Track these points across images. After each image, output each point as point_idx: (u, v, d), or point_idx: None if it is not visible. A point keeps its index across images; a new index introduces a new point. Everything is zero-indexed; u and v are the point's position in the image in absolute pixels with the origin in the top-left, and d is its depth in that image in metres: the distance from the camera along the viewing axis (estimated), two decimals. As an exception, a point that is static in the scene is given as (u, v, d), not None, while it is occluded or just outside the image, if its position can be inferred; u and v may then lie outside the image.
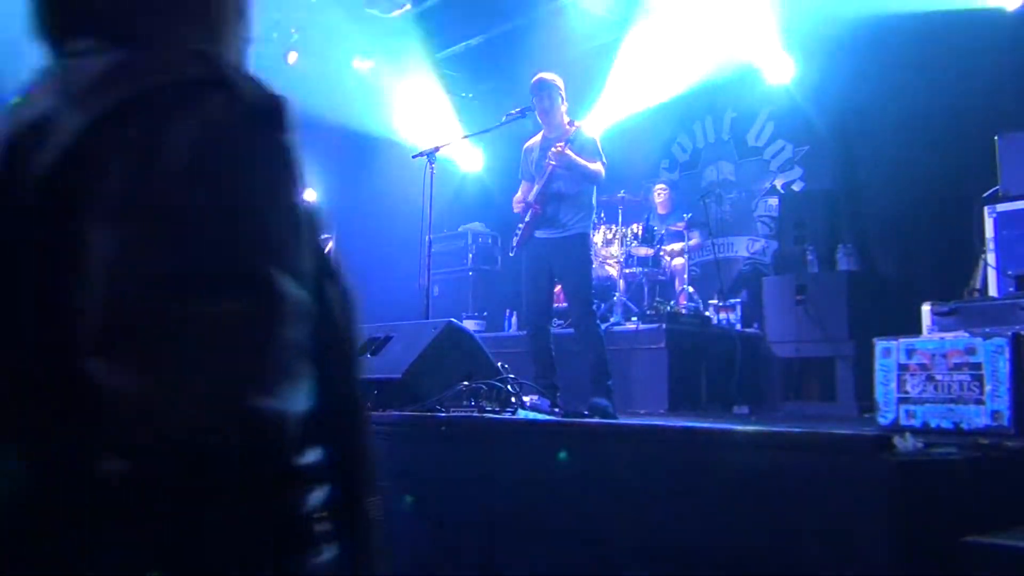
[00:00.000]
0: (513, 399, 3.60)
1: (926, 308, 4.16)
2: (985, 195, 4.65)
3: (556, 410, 4.44)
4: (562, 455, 2.65)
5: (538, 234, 5.08)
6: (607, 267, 6.83)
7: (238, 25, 0.98)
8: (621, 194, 6.97)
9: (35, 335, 0.75)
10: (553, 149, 4.96)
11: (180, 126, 0.74)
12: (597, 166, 5.00)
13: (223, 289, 0.72)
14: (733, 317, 6.62)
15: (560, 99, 5.08)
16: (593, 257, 5.56)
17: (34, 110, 0.80)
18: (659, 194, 7.50)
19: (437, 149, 5.36)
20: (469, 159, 9.14)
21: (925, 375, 3.41)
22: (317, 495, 0.76)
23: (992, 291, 4.44)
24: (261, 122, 0.79)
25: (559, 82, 5.11)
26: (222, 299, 0.71)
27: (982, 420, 3.22)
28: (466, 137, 6.61)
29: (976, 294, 4.48)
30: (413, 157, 5.46)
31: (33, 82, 0.89)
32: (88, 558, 0.72)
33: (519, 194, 5.25)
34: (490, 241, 8.44)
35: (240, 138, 0.77)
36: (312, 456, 0.77)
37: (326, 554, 0.78)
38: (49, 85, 0.84)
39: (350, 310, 0.91)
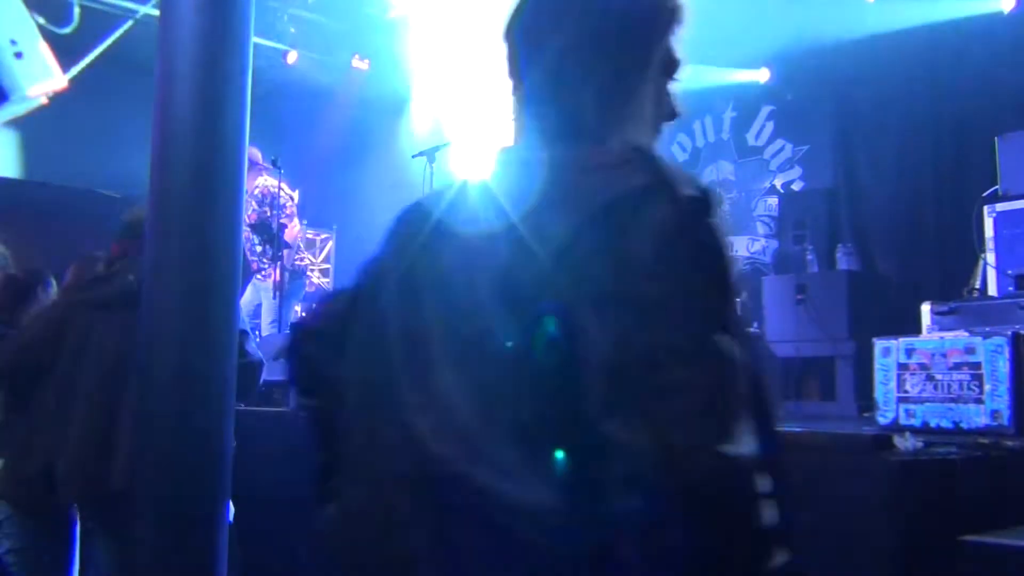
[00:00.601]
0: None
1: (926, 308, 4.15)
2: (985, 195, 4.65)
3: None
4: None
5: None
6: (607, 267, 6.84)
7: (661, 118, 1.16)
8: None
9: (558, 400, 0.95)
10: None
11: (641, 227, 0.94)
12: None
13: (691, 359, 0.91)
14: (733, 317, 6.61)
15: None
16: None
17: (525, 204, 1.02)
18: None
19: (437, 149, 5.36)
20: (471, 161, 9.13)
21: (925, 374, 3.40)
22: (773, 513, 0.93)
23: (992, 291, 4.44)
24: (699, 214, 0.96)
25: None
26: (691, 368, 0.91)
27: (982, 419, 3.21)
28: (466, 137, 6.61)
29: (976, 294, 4.48)
30: (413, 157, 5.46)
31: (509, 167, 1.14)
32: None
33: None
34: (490, 241, 8.44)
35: (686, 232, 0.95)
36: (766, 485, 0.94)
37: (784, 557, 0.94)
38: (529, 177, 1.06)
39: (763, 365, 1.11)
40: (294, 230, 6.29)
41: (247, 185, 6.18)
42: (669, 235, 0.94)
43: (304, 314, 1.26)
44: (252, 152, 6.21)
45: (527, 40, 1.15)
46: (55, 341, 2.85)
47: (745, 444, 0.91)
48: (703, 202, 0.97)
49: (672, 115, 1.18)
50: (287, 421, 3.89)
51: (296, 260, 6.48)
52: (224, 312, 2.59)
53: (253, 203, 6.21)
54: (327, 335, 1.27)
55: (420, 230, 1.16)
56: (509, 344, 0.98)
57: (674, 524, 0.89)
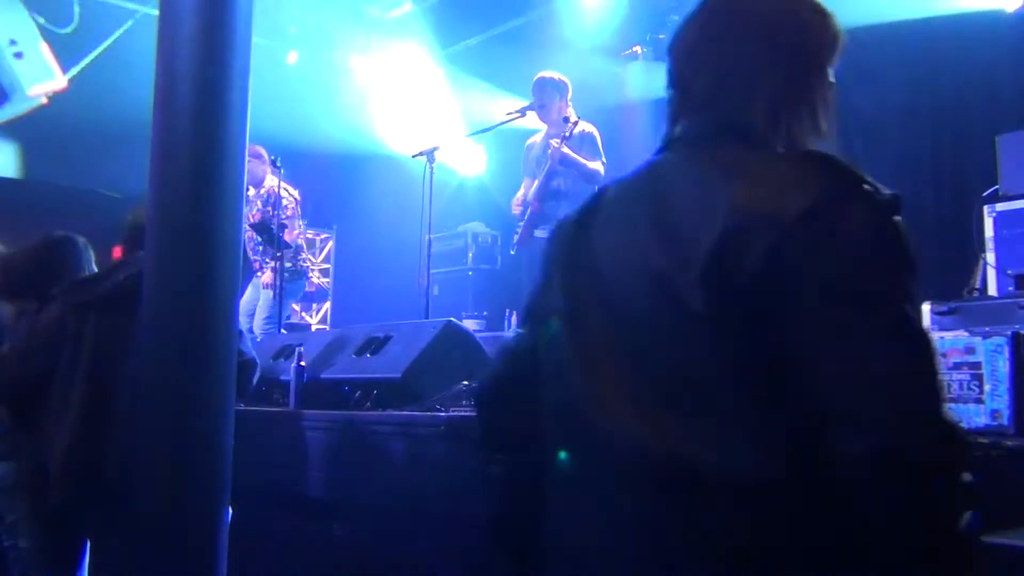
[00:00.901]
0: (513, 399, 3.59)
1: (926, 307, 4.15)
2: (985, 195, 4.64)
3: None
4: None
5: (538, 233, 5.08)
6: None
7: (819, 133, 1.26)
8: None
9: (770, 383, 1.06)
10: (551, 144, 4.97)
11: (846, 228, 1.05)
12: (596, 165, 5.00)
13: (908, 340, 1.03)
14: (733, 317, 6.60)
15: (558, 97, 5.08)
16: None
17: (705, 205, 1.10)
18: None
19: (437, 148, 5.36)
20: (469, 160, 9.14)
21: (925, 375, 3.40)
22: (969, 475, 1.02)
23: (992, 290, 4.44)
24: (893, 212, 1.08)
25: (558, 80, 5.11)
26: (910, 347, 1.03)
27: (982, 419, 3.21)
28: (466, 136, 6.60)
29: (976, 294, 4.48)
30: (413, 156, 5.46)
31: (667, 166, 1.21)
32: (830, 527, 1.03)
33: (520, 192, 5.25)
34: (490, 241, 8.44)
35: (885, 229, 1.07)
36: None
37: (971, 515, 1.03)
38: (703, 179, 1.14)
39: None
40: (295, 231, 6.27)
41: (257, 182, 6.18)
42: (873, 233, 1.06)
43: (484, 376, 1.36)
44: (260, 150, 6.22)
45: (694, 54, 1.26)
46: (52, 346, 2.86)
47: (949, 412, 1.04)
48: (894, 201, 1.10)
49: (823, 132, 1.27)
50: (287, 421, 3.89)
51: (300, 262, 6.46)
52: (224, 312, 2.59)
53: (259, 202, 6.20)
54: (512, 387, 1.37)
55: (574, 252, 1.27)
56: (711, 340, 1.07)
57: (893, 486, 1.00)
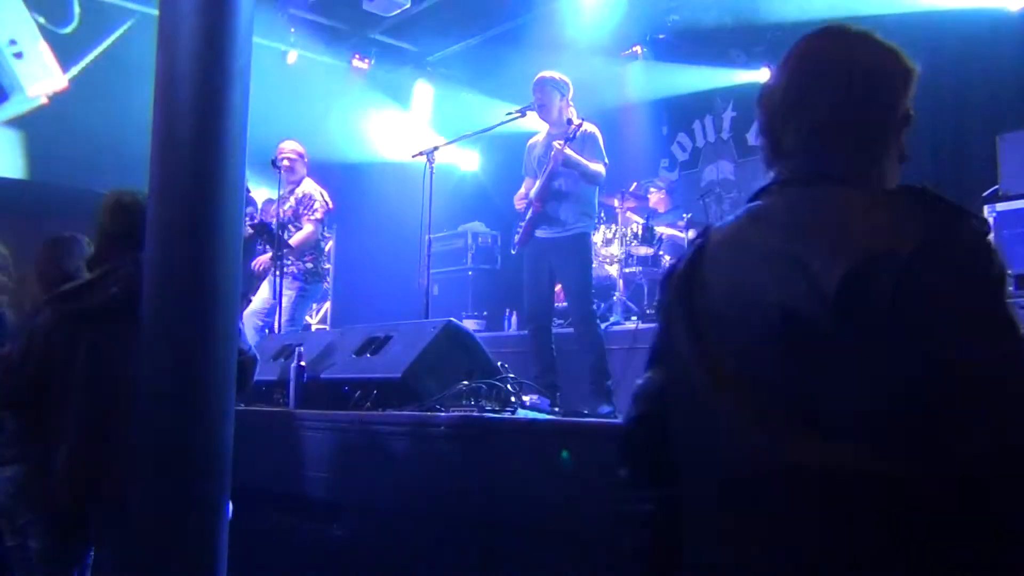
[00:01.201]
0: (513, 398, 3.60)
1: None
2: (985, 195, 4.64)
3: (556, 409, 4.44)
4: (564, 455, 2.65)
5: (539, 233, 5.08)
6: (607, 267, 6.83)
7: (900, 162, 1.39)
8: (615, 202, 6.96)
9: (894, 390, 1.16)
10: (554, 145, 4.96)
11: (957, 254, 1.18)
12: (598, 166, 4.99)
13: (1016, 340, 1.16)
14: (733, 317, 6.58)
15: (559, 96, 5.07)
16: (593, 257, 5.56)
17: (820, 235, 1.24)
18: (653, 193, 7.48)
19: (436, 148, 5.36)
20: (467, 160, 9.14)
21: (925, 375, 3.40)
22: None
23: (992, 291, 4.43)
24: (987, 234, 1.21)
25: (559, 79, 5.10)
26: (1019, 347, 1.16)
27: (982, 420, 3.21)
28: (466, 137, 6.58)
29: (976, 294, 4.47)
30: (413, 156, 5.46)
31: (771, 205, 1.35)
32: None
33: (521, 190, 5.24)
34: (490, 241, 8.44)
35: (985, 251, 1.20)
36: None
37: None
38: (815, 217, 1.28)
39: None
40: (315, 235, 6.21)
41: (296, 181, 6.16)
42: (978, 255, 1.19)
43: (626, 419, 1.50)
44: (302, 150, 6.20)
45: (781, 106, 1.38)
46: (49, 352, 2.87)
47: None
48: (986, 223, 1.23)
49: (904, 158, 1.39)
50: (287, 421, 3.89)
51: (322, 264, 6.42)
52: (224, 312, 2.59)
53: (292, 200, 6.15)
54: (657, 426, 1.45)
55: (690, 295, 1.37)
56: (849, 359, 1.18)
57: (1012, 485, 1.10)
